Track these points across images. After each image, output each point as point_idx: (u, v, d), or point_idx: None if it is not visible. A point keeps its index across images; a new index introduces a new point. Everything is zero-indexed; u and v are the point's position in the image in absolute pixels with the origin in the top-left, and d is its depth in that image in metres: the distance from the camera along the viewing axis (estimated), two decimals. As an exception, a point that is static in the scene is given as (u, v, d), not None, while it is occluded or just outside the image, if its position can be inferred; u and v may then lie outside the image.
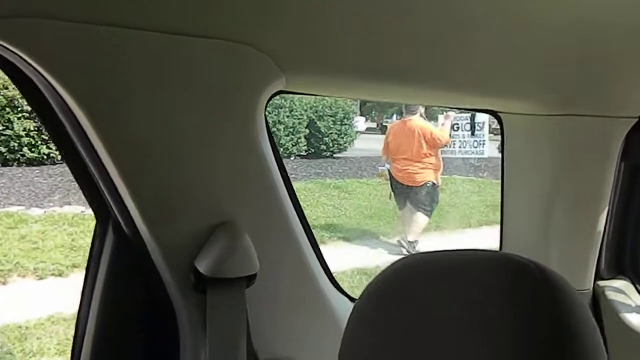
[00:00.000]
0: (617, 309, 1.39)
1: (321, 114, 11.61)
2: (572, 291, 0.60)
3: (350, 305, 1.18)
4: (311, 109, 11.56)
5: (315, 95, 1.09)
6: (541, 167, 1.28)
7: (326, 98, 11.67)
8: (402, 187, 6.11)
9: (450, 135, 6.37)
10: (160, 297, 0.94)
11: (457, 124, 6.57)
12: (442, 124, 6.28)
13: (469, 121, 6.53)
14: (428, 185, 5.98)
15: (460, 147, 6.55)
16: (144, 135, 0.82)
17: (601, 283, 1.43)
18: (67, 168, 0.88)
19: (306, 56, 0.89)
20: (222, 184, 0.92)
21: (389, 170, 6.28)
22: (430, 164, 5.97)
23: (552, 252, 1.30)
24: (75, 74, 0.75)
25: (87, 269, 0.94)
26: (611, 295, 1.41)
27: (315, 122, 11.46)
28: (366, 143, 14.11)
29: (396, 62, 0.95)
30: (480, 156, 6.75)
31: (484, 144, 6.44)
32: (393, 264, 0.67)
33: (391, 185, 6.37)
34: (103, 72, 0.76)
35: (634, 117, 1.24)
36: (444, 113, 6.80)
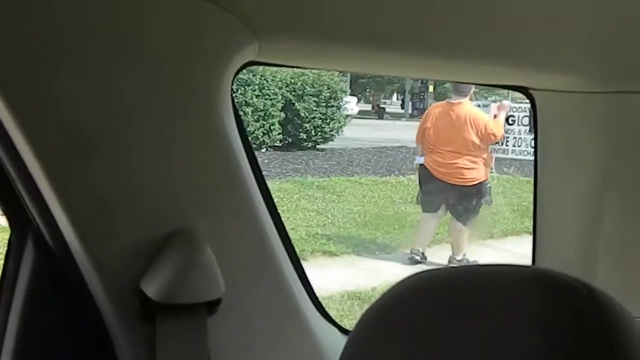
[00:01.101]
0: None
1: (300, 93, 11.63)
2: (632, 321, 0.61)
3: (341, 338, 1.20)
4: (287, 86, 11.57)
5: (294, 67, 1.09)
6: (584, 161, 1.29)
7: (307, 73, 11.69)
8: (438, 184, 6.20)
9: (504, 130, 6.47)
10: (95, 329, 0.93)
11: (513, 116, 6.64)
12: (495, 115, 6.37)
13: (527, 114, 6.59)
14: (483, 185, 6.14)
15: (514, 145, 6.61)
16: (76, 121, 0.81)
17: None
18: None
19: (284, 18, 0.89)
20: (177, 182, 0.91)
21: (422, 164, 6.37)
22: (482, 159, 6.12)
23: (598, 269, 1.31)
24: None
25: (2, 291, 0.92)
26: None
27: (294, 104, 11.48)
28: (359, 130, 14.18)
29: (398, 25, 0.95)
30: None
31: None
32: (395, 285, 0.67)
33: (421, 183, 6.45)
34: (18, 36, 0.76)
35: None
36: (499, 102, 6.90)
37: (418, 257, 6.32)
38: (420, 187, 6.52)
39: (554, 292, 0.60)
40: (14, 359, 0.90)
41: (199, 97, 0.89)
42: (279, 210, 1.08)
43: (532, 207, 1.40)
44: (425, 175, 6.36)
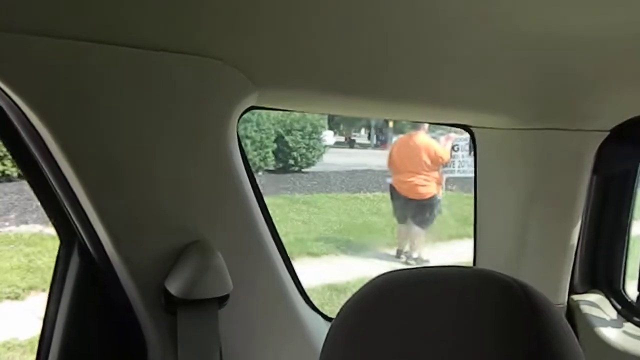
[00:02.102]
0: (592, 323, 1.41)
1: (289, 128, 11.63)
2: (555, 310, 0.60)
3: (325, 324, 1.18)
4: (279, 123, 11.55)
5: (288, 110, 1.09)
6: (514, 181, 1.30)
7: (294, 113, 11.71)
8: (404, 200, 6.29)
9: (450, 155, 6.60)
10: (128, 320, 0.92)
11: (457, 145, 6.82)
12: (445, 145, 6.59)
13: (468, 142, 6.76)
14: (433, 199, 6.22)
15: (459, 167, 6.76)
16: (112, 152, 0.81)
17: (575, 297, 1.44)
18: (24, 185, 0.85)
19: (279, 71, 0.89)
20: (194, 201, 0.91)
21: (390, 184, 6.49)
22: (434, 178, 6.22)
23: (526, 266, 1.31)
24: (38, 89, 0.74)
25: (50, 292, 0.92)
26: (585, 309, 1.43)
27: (283, 137, 11.47)
28: (335, 157, 14.16)
29: (369, 78, 0.96)
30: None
31: None
32: (370, 281, 0.67)
33: (392, 199, 6.54)
34: (67, 86, 0.76)
35: (605, 131, 1.26)
36: (447, 134, 7.16)
37: (403, 257, 6.40)
38: (392, 202, 6.59)
39: (495, 289, 0.60)
40: (63, 344, 0.89)
41: (212, 135, 0.89)
42: (273, 221, 1.07)
43: (471, 217, 1.40)
44: (393, 192, 6.46)
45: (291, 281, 1.09)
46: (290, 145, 11.49)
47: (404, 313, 0.61)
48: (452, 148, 6.70)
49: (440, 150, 6.21)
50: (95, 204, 0.82)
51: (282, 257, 1.07)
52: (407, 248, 6.45)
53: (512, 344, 0.56)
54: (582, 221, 1.35)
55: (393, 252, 6.61)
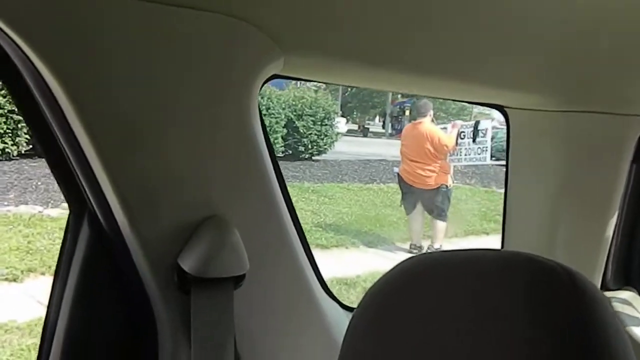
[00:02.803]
0: (624, 322, 1.39)
1: (300, 113, 11.59)
2: (603, 297, 0.58)
3: (343, 313, 1.17)
4: (289, 107, 11.53)
5: (312, 80, 1.08)
6: (548, 166, 1.28)
7: (305, 97, 11.66)
8: (411, 189, 6.34)
9: (457, 143, 6.66)
10: (138, 297, 0.92)
11: (463, 132, 6.79)
12: (451, 133, 6.59)
13: (472, 129, 6.72)
14: (442, 188, 6.24)
15: (465, 154, 6.74)
16: (129, 117, 0.80)
17: (607, 294, 1.44)
18: (24, 165, 0.84)
19: (307, 37, 0.87)
20: (212, 173, 0.90)
21: (398, 174, 6.55)
22: (439, 167, 6.23)
23: (557, 257, 1.29)
24: (54, 45, 0.72)
25: (58, 266, 0.91)
26: (618, 307, 1.42)
27: (294, 122, 11.44)
28: (348, 146, 14.15)
29: (399, 50, 0.94)
30: (483, 163, 6.92)
31: (486, 150, 6.61)
32: (395, 266, 0.65)
33: (400, 188, 6.59)
34: (85, 44, 0.74)
35: (648, 116, 1.25)
36: (452, 122, 7.18)
37: (416, 250, 6.43)
38: (401, 191, 6.62)
39: (536, 274, 0.57)
40: (70, 320, 0.88)
41: (232, 101, 0.88)
42: (293, 203, 1.06)
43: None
44: (400, 181, 6.52)
45: (310, 267, 1.08)
46: (301, 131, 11.46)
47: (433, 299, 0.59)
48: (459, 135, 6.69)
49: (445, 138, 6.24)
50: (108, 171, 0.81)
51: (301, 240, 1.06)
52: (418, 241, 6.45)
53: (559, 337, 0.54)
54: (618, 213, 1.33)
55: (407, 245, 6.59)
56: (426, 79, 1.05)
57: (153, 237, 0.88)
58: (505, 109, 1.29)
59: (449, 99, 1.34)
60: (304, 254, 1.07)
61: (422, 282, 0.61)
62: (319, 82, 1.12)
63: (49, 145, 0.83)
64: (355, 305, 0.68)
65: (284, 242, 1.02)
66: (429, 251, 6.16)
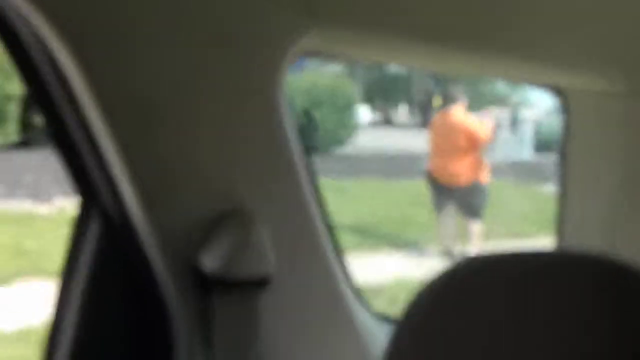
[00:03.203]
0: None
1: (316, 100, 11.60)
2: None
3: (378, 323, 1.17)
4: (304, 93, 11.55)
5: (350, 58, 1.07)
6: (612, 158, 1.27)
7: (322, 82, 11.67)
8: (442, 187, 6.29)
9: (493, 135, 6.56)
10: (152, 298, 0.92)
11: (500, 122, 6.67)
12: (484, 121, 6.46)
13: (510, 119, 6.60)
14: (476, 185, 6.17)
15: (502, 148, 6.63)
16: (146, 95, 0.80)
17: None
18: (12, 155, 0.84)
19: (344, 5, 0.86)
20: (237, 161, 0.90)
21: (427, 169, 6.51)
22: (473, 161, 6.16)
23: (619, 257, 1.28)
24: (66, 17, 0.73)
25: (66, 262, 0.91)
26: None
27: (309, 111, 11.46)
28: (370, 137, 14.13)
29: (446, 24, 0.94)
30: (523, 157, 6.77)
31: (526, 143, 6.49)
32: (442, 272, 0.64)
33: (429, 186, 6.56)
34: (102, 17, 0.75)
35: None
36: (486, 109, 7.03)
37: (447, 255, 6.38)
38: (431, 190, 6.59)
39: (613, 277, 0.59)
40: (79, 322, 0.89)
41: (259, 80, 0.88)
42: (324, 201, 1.07)
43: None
44: (429, 178, 6.48)
45: (341, 271, 1.09)
46: (317, 120, 11.50)
47: (495, 309, 0.59)
48: (495, 126, 6.62)
49: (479, 129, 6.14)
50: (122, 156, 0.82)
51: (333, 243, 1.07)
52: (450, 244, 6.43)
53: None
54: None
55: (437, 249, 6.57)
56: (477, 56, 1.04)
57: (170, 231, 0.88)
58: (565, 92, 1.28)
59: (502, 78, 1.32)
60: (335, 255, 1.07)
61: (479, 290, 0.61)
62: (357, 60, 1.11)
63: (55, 124, 0.83)
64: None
65: (314, 243, 1.02)
66: (462, 256, 6.17)
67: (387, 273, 5.73)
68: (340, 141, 12.16)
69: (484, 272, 0.62)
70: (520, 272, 0.60)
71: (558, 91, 1.28)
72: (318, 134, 11.66)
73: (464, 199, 6.28)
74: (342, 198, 8.82)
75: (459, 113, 6.17)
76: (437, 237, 6.68)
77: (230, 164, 0.90)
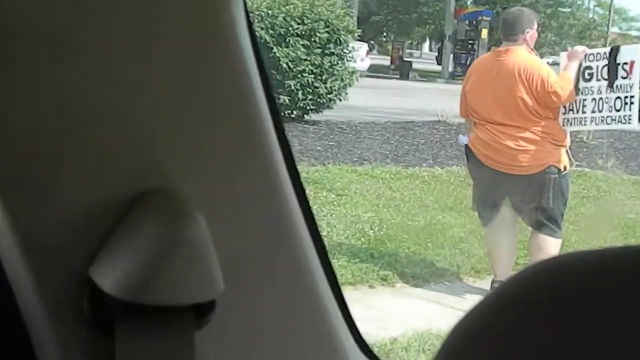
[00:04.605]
0: None
1: (283, 32, 11.54)
2: None
3: None
4: (261, 22, 11.51)
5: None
6: None
7: (295, 0, 11.57)
8: (492, 176, 6.32)
9: (577, 87, 6.46)
10: (17, 341, 0.94)
11: (590, 67, 6.63)
12: (565, 68, 6.45)
13: (607, 62, 6.55)
14: (550, 173, 6.20)
15: (593, 109, 6.60)
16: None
17: None
18: None
19: None
20: (152, 115, 0.93)
21: (466, 146, 6.53)
22: (546, 133, 6.18)
23: None
24: None
25: None
26: None
27: (271, 49, 11.38)
28: (372, 95, 14.06)
29: None
30: (628, 126, 6.74)
31: (632, 103, 6.45)
32: (508, 281, 0.69)
33: (471, 174, 6.67)
34: None
35: None
36: (568, 49, 6.88)
37: None
38: (473, 183, 6.67)
39: None
40: None
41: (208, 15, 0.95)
42: (305, 188, 1.11)
43: None
44: (473, 163, 6.49)
45: (329, 289, 1.12)
46: (284, 66, 11.42)
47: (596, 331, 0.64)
48: (581, 74, 6.56)
49: (553, 78, 6.16)
50: None
51: (316, 245, 1.10)
52: (507, 273, 6.38)
53: None
54: None
55: (485, 284, 6.67)
56: None
57: (41, 235, 0.90)
58: None
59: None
60: (319, 266, 1.11)
61: (566, 305, 0.66)
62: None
63: None
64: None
65: (286, 245, 1.06)
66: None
67: (403, 321, 5.80)
68: (322, 100, 12.19)
69: (570, 281, 0.67)
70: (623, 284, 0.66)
71: None
72: (286, 90, 11.58)
73: (529, 197, 6.31)
74: (326, 196, 8.81)
75: (520, 54, 6.19)
76: (488, 262, 6.74)
77: (141, 116, 0.93)
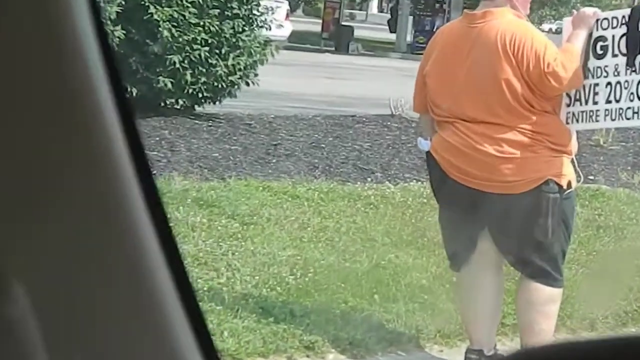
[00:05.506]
0: None
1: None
2: None
3: None
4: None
5: None
6: None
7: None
8: (465, 195, 6.40)
9: (587, 67, 6.55)
10: None
11: (603, 37, 6.73)
12: (568, 39, 6.55)
13: (624, 31, 6.64)
14: (547, 191, 6.25)
15: (609, 98, 6.70)
16: None
17: None
18: None
19: None
20: None
21: (428, 153, 6.58)
22: (541, 134, 6.28)
23: None
24: None
25: None
26: None
27: (147, 9, 11.51)
28: (294, 75, 14.20)
29: None
30: None
31: None
32: None
33: (435, 194, 6.77)
34: None
35: None
36: (573, 12, 6.99)
37: None
38: (438, 204, 6.78)
39: None
40: None
41: None
42: (163, 205, 1.28)
43: None
44: (437, 177, 6.60)
45: (179, 309, 1.26)
46: (166, 34, 11.64)
47: None
48: (593, 47, 6.66)
49: (551, 51, 6.20)
50: None
51: (167, 256, 1.25)
52: (485, 338, 6.49)
53: None
54: None
55: (455, 352, 6.78)
56: None
57: None
58: None
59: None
60: (170, 281, 1.26)
61: None
62: None
63: None
64: None
65: (130, 256, 1.22)
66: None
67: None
68: (222, 84, 12.31)
69: None
70: None
71: None
72: (170, 69, 11.73)
73: (518, 228, 6.40)
74: (226, 225, 8.86)
75: (506, 18, 6.24)
76: (461, 322, 6.88)
77: None
